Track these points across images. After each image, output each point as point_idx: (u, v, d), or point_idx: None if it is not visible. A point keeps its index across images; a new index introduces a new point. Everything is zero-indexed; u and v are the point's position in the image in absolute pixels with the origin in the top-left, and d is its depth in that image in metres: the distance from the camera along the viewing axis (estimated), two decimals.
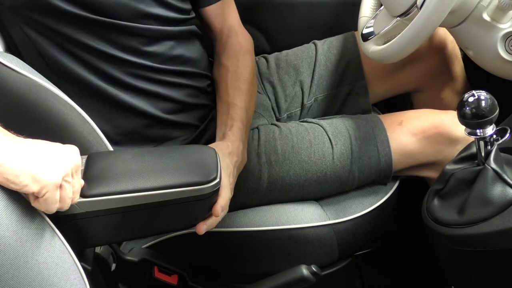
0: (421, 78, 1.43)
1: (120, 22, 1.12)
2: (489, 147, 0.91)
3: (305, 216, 1.21)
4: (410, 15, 1.11)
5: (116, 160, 0.93)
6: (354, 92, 1.41)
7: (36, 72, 1.04)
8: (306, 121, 1.31)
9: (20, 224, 0.71)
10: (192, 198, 0.91)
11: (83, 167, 0.90)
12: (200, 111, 1.27)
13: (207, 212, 1.00)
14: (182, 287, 1.18)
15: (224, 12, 1.34)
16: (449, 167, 0.98)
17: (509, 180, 0.89)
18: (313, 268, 1.06)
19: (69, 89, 1.09)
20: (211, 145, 1.12)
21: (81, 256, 0.89)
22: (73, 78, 1.12)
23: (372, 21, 1.25)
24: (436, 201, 0.97)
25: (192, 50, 1.25)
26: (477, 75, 1.22)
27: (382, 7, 1.23)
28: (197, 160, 0.94)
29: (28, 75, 1.01)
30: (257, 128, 1.29)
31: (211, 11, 1.33)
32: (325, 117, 1.34)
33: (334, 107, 1.41)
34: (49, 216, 0.78)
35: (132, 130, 1.18)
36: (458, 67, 1.43)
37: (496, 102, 0.88)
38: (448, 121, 1.22)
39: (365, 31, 1.25)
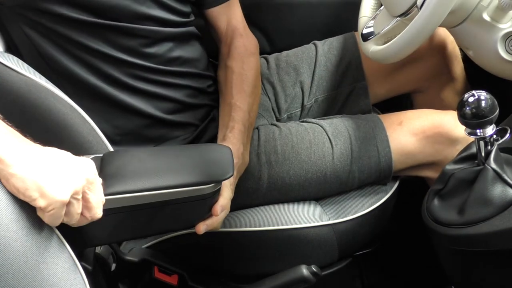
0: (421, 78, 1.43)
1: (120, 23, 1.12)
2: (489, 147, 0.91)
3: (305, 216, 1.21)
4: (410, 15, 1.11)
5: (132, 158, 0.93)
6: (354, 93, 1.41)
7: (36, 72, 1.04)
8: (306, 121, 1.31)
9: (20, 224, 0.70)
10: (193, 198, 0.91)
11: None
12: (200, 111, 1.27)
13: (208, 212, 1.00)
14: (182, 287, 1.18)
15: (228, 14, 1.33)
16: (449, 167, 0.98)
17: (509, 180, 0.89)
18: (313, 268, 1.06)
19: (69, 89, 1.09)
20: None
21: (81, 256, 0.89)
22: (73, 78, 1.12)
23: (372, 21, 1.25)
24: (436, 201, 0.97)
25: (191, 51, 1.25)
26: (477, 75, 1.22)
27: (382, 7, 1.23)
28: (212, 158, 0.94)
29: (28, 75, 1.01)
30: (257, 128, 1.29)
31: (216, 12, 1.32)
32: (325, 117, 1.34)
33: (334, 108, 1.41)
34: None
35: (132, 130, 1.18)
36: (458, 67, 1.43)
37: (496, 102, 0.88)
38: (448, 121, 1.22)
39: (365, 31, 1.25)
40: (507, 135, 0.92)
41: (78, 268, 0.80)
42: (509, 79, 1.10)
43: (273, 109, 1.41)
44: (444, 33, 1.39)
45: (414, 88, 1.46)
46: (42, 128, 0.98)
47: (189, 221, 0.98)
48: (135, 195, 0.87)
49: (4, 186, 0.71)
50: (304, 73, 1.41)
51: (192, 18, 1.28)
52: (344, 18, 1.52)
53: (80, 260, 0.81)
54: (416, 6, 1.06)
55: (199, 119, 1.27)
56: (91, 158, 0.93)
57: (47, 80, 1.04)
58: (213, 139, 1.27)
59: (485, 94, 0.88)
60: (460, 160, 0.98)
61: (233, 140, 1.16)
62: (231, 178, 1.10)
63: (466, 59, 1.23)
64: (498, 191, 0.88)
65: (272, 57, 1.46)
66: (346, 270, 1.30)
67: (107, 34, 1.12)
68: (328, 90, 1.41)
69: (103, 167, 0.89)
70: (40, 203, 0.71)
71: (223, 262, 1.25)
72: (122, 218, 0.88)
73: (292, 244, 1.20)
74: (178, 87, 1.22)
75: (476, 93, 0.88)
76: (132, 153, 0.97)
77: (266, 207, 1.23)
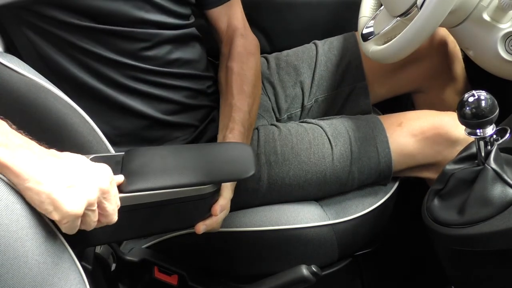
0: (421, 78, 1.43)
1: (120, 28, 1.12)
2: (489, 147, 0.91)
3: (305, 216, 1.21)
4: (410, 15, 1.11)
5: (154, 156, 0.94)
6: (354, 93, 1.40)
7: (36, 72, 1.04)
8: (305, 122, 1.31)
9: (20, 224, 0.70)
10: (193, 198, 0.91)
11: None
12: (199, 112, 1.27)
13: (207, 212, 1.00)
14: (182, 287, 1.18)
15: (229, 14, 1.33)
16: (449, 167, 0.98)
17: (509, 180, 0.89)
18: (313, 268, 1.06)
19: (69, 91, 1.09)
20: None
21: (81, 256, 0.89)
22: (73, 80, 1.12)
23: (372, 21, 1.25)
24: (436, 201, 0.97)
25: (190, 53, 1.25)
26: (477, 75, 1.22)
27: (382, 7, 1.23)
28: (234, 156, 0.95)
29: (28, 75, 1.01)
30: (257, 128, 1.29)
31: (216, 13, 1.33)
32: (325, 118, 1.34)
33: (334, 108, 1.41)
34: None
35: (131, 131, 1.18)
36: (459, 67, 1.43)
37: (496, 102, 0.88)
38: (447, 122, 1.22)
39: (365, 31, 1.25)
40: (507, 135, 0.92)
41: (78, 268, 0.80)
42: (509, 79, 1.10)
43: (273, 109, 1.41)
44: (444, 33, 1.39)
45: (415, 88, 1.46)
46: (42, 128, 0.98)
47: (189, 221, 0.98)
48: (157, 193, 0.87)
49: (1, 186, 0.71)
50: (305, 73, 1.41)
51: (192, 20, 1.27)
52: (344, 18, 1.52)
53: (80, 260, 0.81)
54: (416, 6, 1.06)
55: (199, 120, 1.26)
56: (91, 158, 0.93)
57: (47, 80, 1.04)
58: (213, 140, 1.27)
59: (485, 94, 0.88)
60: (460, 160, 0.98)
61: (233, 141, 1.16)
62: None
63: (466, 59, 1.23)
64: (498, 191, 0.88)
65: (272, 57, 1.46)
66: (346, 270, 1.30)
67: (107, 38, 1.12)
68: (328, 90, 1.41)
69: (125, 165, 0.90)
70: (55, 216, 0.73)
71: (223, 262, 1.25)
72: (123, 217, 0.88)
73: (292, 244, 1.20)
74: (178, 89, 1.22)
75: (476, 93, 0.88)
76: (154, 151, 0.97)
77: (266, 207, 1.23)
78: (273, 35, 1.61)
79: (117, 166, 0.91)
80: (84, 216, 0.75)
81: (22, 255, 0.70)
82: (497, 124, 0.91)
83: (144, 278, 1.16)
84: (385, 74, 1.41)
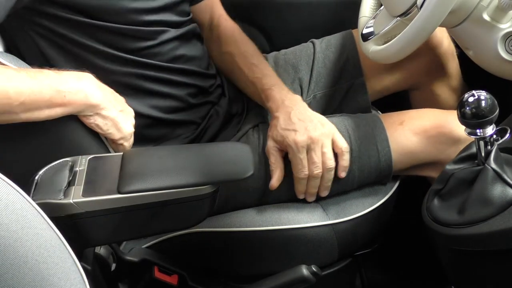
0: (417, 75, 1.44)
1: (125, 26, 1.12)
2: (489, 147, 0.91)
3: (305, 216, 1.21)
4: (410, 15, 1.11)
5: (153, 157, 0.94)
6: (352, 89, 1.41)
7: None
8: None
9: (20, 224, 0.71)
10: (192, 198, 0.91)
11: (85, 168, 0.91)
12: (201, 109, 1.27)
13: (207, 212, 0.99)
14: (182, 287, 1.18)
15: (211, 6, 1.39)
16: (449, 167, 0.98)
17: (509, 180, 0.89)
18: (313, 268, 1.06)
19: None
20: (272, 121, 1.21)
21: (81, 256, 0.89)
22: None
23: (372, 21, 1.25)
24: (436, 201, 0.97)
25: (194, 50, 1.26)
26: (477, 75, 1.22)
27: (382, 7, 1.23)
28: (233, 156, 0.95)
29: None
30: (258, 126, 1.29)
31: (202, 6, 1.37)
32: (325, 116, 1.34)
33: (333, 104, 1.42)
34: (49, 216, 0.78)
35: None
36: (454, 64, 1.44)
37: (496, 102, 0.88)
38: (450, 121, 1.22)
39: (365, 31, 1.25)
40: (507, 135, 0.92)
41: (78, 268, 0.80)
42: (509, 79, 1.10)
43: None
44: (439, 30, 1.39)
45: (411, 85, 1.46)
46: (42, 127, 0.98)
47: (189, 221, 0.98)
48: (156, 193, 0.87)
49: (1, 186, 0.71)
50: (303, 70, 1.42)
51: (191, 16, 1.29)
52: (344, 18, 1.52)
53: (80, 260, 0.81)
54: (416, 6, 1.06)
55: (201, 117, 1.27)
56: (91, 158, 0.94)
57: None
58: (216, 136, 1.28)
59: (485, 94, 0.88)
60: (460, 160, 0.97)
61: (278, 104, 1.22)
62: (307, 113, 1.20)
63: (466, 59, 1.23)
64: (498, 191, 0.88)
65: (270, 56, 1.47)
66: (346, 270, 1.30)
67: (111, 36, 1.12)
68: (326, 87, 1.42)
69: (124, 165, 0.90)
70: (115, 136, 1.02)
71: (223, 262, 1.25)
72: (121, 218, 0.88)
73: (292, 244, 1.20)
74: (183, 85, 1.23)
75: (476, 93, 0.88)
76: (152, 152, 0.98)
77: (266, 207, 1.23)
78: (273, 35, 1.61)
79: (116, 166, 0.92)
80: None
81: (22, 255, 0.70)
82: (497, 124, 0.91)
83: (144, 278, 1.16)
84: (382, 70, 1.42)
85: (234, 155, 0.95)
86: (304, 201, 1.23)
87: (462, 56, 1.26)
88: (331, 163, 1.17)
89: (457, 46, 1.42)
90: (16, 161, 1.00)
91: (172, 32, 1.20)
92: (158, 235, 1.19)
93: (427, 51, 1.39)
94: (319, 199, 1.24)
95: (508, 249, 0.88)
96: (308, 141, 1.15)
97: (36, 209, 0.74)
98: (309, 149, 1.16)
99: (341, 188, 1.24)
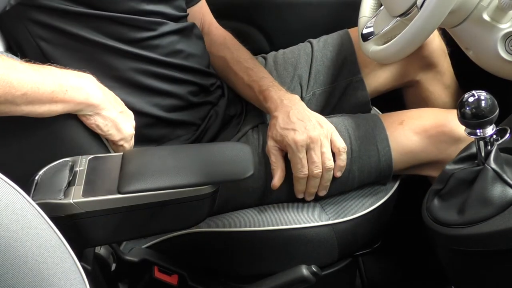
0: (409, 72, 1.44)
1: (123, 15, 1.13)
2: (489, 147, 0.91)
3: (305, 216, 1.21)
4: (410, 15, 1.11)
5: (152, 157, 0.94)
6: (351, 86, 1.42)
7: None
8: None
9: (20, 224, 0.70)
10: (191, 199, 0.91)
11: (85, 168, 0.91)
12: (202, 110, 1.27)
13: (207, 212, 0.99)
14: (182, 287, 1.18)
15: (202, 12, 1.41)
16: (449, 167, 0.98)
17: (509, 180, 0.89)
18: (313, 268, 1.06)
19: None
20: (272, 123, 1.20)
21: (81, 256, 0.89)
22: None
23: (372, 21, 1.25)
24: (436, 201, 0.97)
25: (194, 48, 1.27)
26: (476, 75, 1.22)
27: (382, 7, 1.23)
28: (233, 156, 0.95)
29: None
30: (257, 127, 1.29)
31: (193, 11, 1.38)
32: (325, 116, 1.34)
33: (332, 101, 1.42)
34: (49, 216, 0.78)
35: None
36: (446, 62, 1.45)
37: (496, 102, 0.88)
38: (450, 120, 1.22)
39: (365, 31, 1.25)
40: (507, 135, 0.92)
41: (78, 268, 0.80)
42: (509, 79, 1.10)
43: None
44: None
45: (405, 82, 1.47)
46: (42, 126, 0.98)
47: (189, 221, 0.98)
48: (155, 193, 0.87)
49: (1, 185, 0.71)
50: (302, 68, 1.43)
51: (188, 12, 1.29)
52: (344, 18, 1.53)
53: (80, 260, 0.81)
54: (416, 6, 1.06)
55: (200, 118, 1.27)
56: (91, 158, 0.94)
57: None
58: (216, 137, 1.28)
59: (485, 94, 0.88)
60: (460, 160, 0.97)
61: (278, 104, 1.22)
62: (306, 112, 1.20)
63: (461, 57, 1.23)
64: (498, 191, 0.88)
65: (270, 56, 1.48)
66: (346, 270, 1.30)
67: (110, 26, 1.13)
68: (325, 84, 1.42)
69: (124, 165, 0.90)
70: (116, 137, 1.03)
71: (223, 262, 1.25)
72: (121, 218, 0.88)
73: (292, 244, 1.20)
74: (182, 82, 1.23)
75: (476, 93, 0.88)
76: (152, 152, 0.98)
77: (266, 207, 1.23)
78: (273, 35, 1.61)
79: (116, 166, 0.92)
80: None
81: (22, 255, 0.70)
82: (497, 124, 0.91)
83: (144, 278, 1.16)
84: (376, 67, 1.43)
85: (234, 155, 0.95)
86: (304, 201, 1.23)
87: (462, 57, 1.26)
88: (330, 163, 1.17)
89: (448, 44, 1.43)
90: (16, 161, 1.00)
91: (172, 25, 1.21)
92: (158, 235, 1.19)
93: (418, 48, 1.40)
94: (319, 199, 1.24)
95: (508, 249, 0.88)
96: (307, 141, 1.16)
97: (36, 209, 0.74)
98: (308, 149, 1.16)
99: (341, 188, 1.24)
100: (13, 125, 0.95)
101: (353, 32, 1.43)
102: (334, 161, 1.19)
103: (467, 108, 0.88)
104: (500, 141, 0.92)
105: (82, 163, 0.92)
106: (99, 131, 1.01)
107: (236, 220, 1.21)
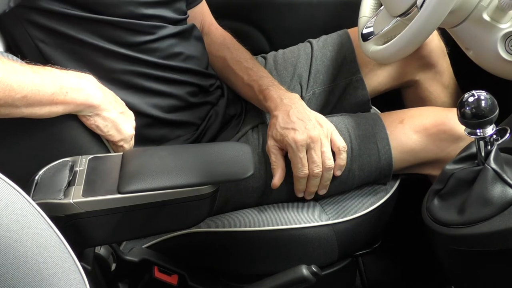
0: (408, 71, 1.44)
1: (121, 19, 1.13)
2: (489, 147, 0.91)
3: (305, 216, 1.21)
4: (410, 15, 1.11)
5: (152, 157, 0.94)
6: (351, 86, 1.42)
7: None
8: None
9: (20, 224, 0.70)
10: (191, 198, 0.91)
11: (85, 167, 0.91)
12: (201, 110, 1.27)
13: (207, 212, 0.99)
14: (182, 287, 1.18)
15: (202, 13, 1.41)
16: (449, 167, 0.98)
17: (509, 180, 0.89)
18: (313, 268, 1.06)
19: None
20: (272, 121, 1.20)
21: (81, 256, 0.89)
22: None
23: (372, 21, 1.25)
24: (436, 201, 0.97)
25: (193, 49, 1.27)
26: (476, 75, 1.22)
27: (382, 7, 1.23)
28: (233, 156, 0.95)
29: None
30: (257, 127, 1.29)
31: (194, 12, 1.38)
32: (325, 116, 1.34)
33: (332, 100, 1.43)
34: (49, 216, 0.78)
35: None
36: (445, 62, 1.45)
37: (496, 102, 0.88)
38: (451, 118, 1.22)
39: (365, 31, 1.25)
40: (507, 135, 0.92)
41: (78, 268, 0.80)
42: (509, 79, 1.10)
43: None
44: None
45: (404, 82, 1.47)
46: (42, 126, 0.98)
47: (189, 221, 0.98)
48: (155, 193, 0.87)
49: (2, 185, 0.71)
50: (302, 67, 1.43)
51: (188, 15, 1.29)
52: (344, 18, 1.53)
53: (80, 260, 0.81)
54: (416, 6, 1.06)
55: (201, 118, 1.27)
56: (91, 158, 0.94)
57: None
58: (214, 138, 1.28)
59: (485, 94, 0.88)
60: (460, 160, 0.97)
61: (277, 103, 1.22)
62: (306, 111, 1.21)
63: (461, 57, 1.23)
64: (498, 191, 0.88)
65: (269, 55, 1.48)
66: (346, 270, 1.30)
67: (108, 30, 1.13)
68: (325, 83, 1.42)
69: (124, 165, 0.90)
70: (116, 138, 1.03)
71: (223, 262, 1.25)
72: (121, 218, 0.88)
73: (292, 244, 1.20)
74: (181, 84, 1.23)
75: (476, 93, 0.88)
76: (152, 152, 0.98)
77: (266, 207, 1.23)
78: (273, 35, 1.61)
79: (116, 166, 0.92)
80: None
81: (22, 255, 0.70)
82: (497, 124, 0.91)
83: (144, 278, 1.16)
84: (375, 67, 1.43)
85: (234, 155, 0.95)
86: (304, 201, 1.23)
87: (462, 57, 1.27)
88: (330, 162, 1.17)
89: (447, 44, 1.43)
90: (16, 161, 1.00)
91: (170, 29, 1.21)
92: (158, 235, 1.19)
93: (417, 48, 1.40)
94: (319, 199, 1.24)
95: (508, 249, 0.88)
96: (307, 140, 1.16)
97: (36, 209, 0.75)
98: (308, 148, 1.16)
99: (342, 187, 1.24)
100: (13, 125, 0.95)
101: (352, 32, 1.43)
102: (334, 160, 1.18)
103: (467, 108, 0.88)
104: (500, 141, 0.92)
105: (82, 163, 0.92)
106: (99, 132, 1.01)
107: (236, 220, 1.21)
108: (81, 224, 0.86)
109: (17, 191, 0.72)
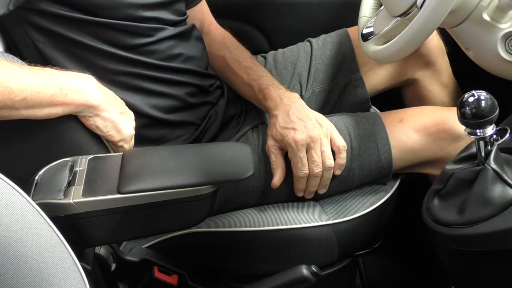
0: (408, 70, 1.45)
1: (120, 22, 1.13)
2: (489, 147, 0.91)
3: (305, 216, 1.21)
4: (410, 15, 1.11)
5: (152, 157, 0.94)
6: (351, 84, 1.42)
7: None
8: None
9: (20, 224, 0.70)
10: (191, 198, 0.91)
11: (85, 167, 0.91)
12: (201, 110, 1.27)
13: (207, 212, 1.00)
14: (182, 287, 1.18)
15: (202, 12, 1.41)
16: (449, 167, 0.97)
17: (509, 180, 0.89)
18: (313, 268, 1.06)
19: None
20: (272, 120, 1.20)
21: (81, 256, 0.89)
22: None
23: (372, 21, 1.25)
24: (436, 201, 0.97)
25: (192, 50, 1.26)
26: (476, 75, 1.22)
27: (382, 7, 1.23)
28: (233, 156, 0.95)
29: None
30: (257, 127, 1.29)
31: (194, 12, 1.37)
32: (325, 115, 1.34)
33: (332, 99, 1.43)
34: (49, 216, 0.78)
35: None
36: (444, 60, 1.45)
37: (496, 102, 0.88)
38: (451, 117, 1.22)
39: (365, 31, 1.25)
40: (507, 135, 0.92)
41: (78, 268, 0.80)
42: (509, 79, 1.10)
43: None
44: None
45: (403, 81, 1.47)
46: (42, 127, 0.98)
47: (189, 221, 0.98)
48: (155, 193, 0.87)
49: (2, 185, 0.71)
50: (301, 66, 1.43)
51: (187, 16, 1.29)
52: (343, 18, 1.53)
53: (80, 260, 0.81)
54: (416, 6, 1.06)
55: (200, 118, 1.27)
56: (91, 158, 0.94)
57: None
58: (214, 138, 1.28)
59: (485, 94, 0.88)
60: (460, 160, 0.97)
61: (277, 103, 1.22)
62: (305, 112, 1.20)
63: (461, 57, 1.23)
64: (498, 191, 0.88)
65: (269, 55, 1.49)
66: (346, 270, 1.30)
67: (108, 32, 1.13)
68: (324, 82, 1.42)
69: (124, 165, 0.90)
70: (115, 138, 1.03)
71: (223, 262, 1.25)
72: (121, 218, 0.88)
73: (292, 244, 1.20)
74: (180, 84, 1.23)
75: (476, 93, 0.88)
76: (152, 152, 0.98)
77: (266, 207, 1.23)
78: (273, 35, 1.61)
79: (116, 166, 0.92)
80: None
81: (22, 255, 0.70)
82: (497, 124, 0.91)
83: (144, 278, 1.16)
84: (375, 65, 1.43)
85: (234, 155, 0.95)
86: (304, 201, 1.23)
87: (462, 57, 1.27)
88: (330, 162, 1.17)
89: (446, 43, 1.43)
90: (16, 161, 1.00)
91: (170, 30, 1.21)
92: (158, 235, 1.19)
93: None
94: (319, 199, 1.24)
95: (508, 249, 0.88)
96: (307, 140, 1.16)
97: (36, 209, 0.74)
98: (308, 148, 1.16)
99: (342, 186, 1.24)
100: (13, 125, 0.95)
101: (352, 31, 1.43)
102: (334, 159, 1.19)
103: (467, 108, 0.88)
104: (500, 141, 0.92)
105: (82, 163, 0.92)
106: (98, 132, 1.01)
107: (236, 220, 1.21)
108: (81, 224, 0.86)
109: (17, 191, 0.72)
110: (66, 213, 0.84)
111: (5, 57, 1.01)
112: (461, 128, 1.19)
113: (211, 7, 1.44)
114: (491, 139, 0.91)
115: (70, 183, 0.88)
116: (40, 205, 0.74)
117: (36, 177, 0.89)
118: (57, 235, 0.77)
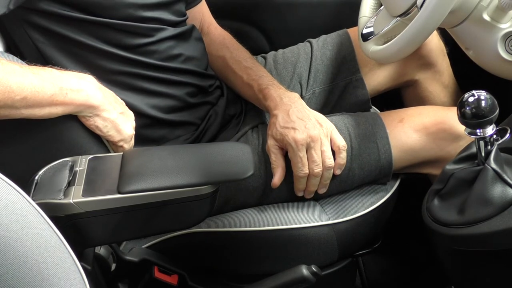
0: (408, 70, 1.45)
1: (121, 22, 1.13)
2: (489, 147, 0.91)
3: (305, 216, 1.21)
4: (410, 15, 1.11)
5: (152, 157, 0.94)
6: (351, 85, 1.42)
7: None
8: None
9: (20, 224, 0.70)
10: (191, 198, 0.91)
11: (85, 167, 0.91)
12: (200, 110, 1.27)
13: (207, 212, 1.00)
14: (182, 287, 1.18)
15: (202, 12, 1.41)
16: (449, 167, 0.97)
17: (509, 180, 0.89)
18: (313, 268, 1.06)
19: None
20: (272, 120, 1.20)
21: (81, 256, 0.89)
22: None
23: (372, 21, 1.25)
24: (436, 201, 0.97)
25: (192, 50, 1.26)
26: (476, 75, 1.22)
27: (382, 7, 1.23)
28: (232, 156, 0.95)
29: None
30: (257, 127, 1.29)
31: (193, 12, 1.38)
32: (325, 115, 1.34)
33: (332, 99, 1.43)
34: (49, 216, 0.78)
35: None
36: (444, 61, 1.45)
37: (496, 102, 0.88)
38: (451, 117, 1.22)
39: (365, 31, 1.25)
40: (507, 135, 0.92)
41: (78, 268, 0.80)
42: (509, 79, 1.10)
43: None
44: None
45: (403, 82, 1.47)
46: (42, 127, 0.98)
47: (189, 221, 0.98)
48: (155, 193, 0.87)
49: (2, 185, 0.71)
50: (301, 67, 1.43)
51: (187, 16, 1.29)
52: (343, 18, 1.53)
53: (80, 260, 0.81)
54: (416, 6, 1.06)
55: (200, 118, 1.27)
56: (91, 158, 0.94)
57: None
58: (214, 138, 1.28)
59: (485, 94, 0.88)
60: (460, 160, 0.97)
61: (278, 102, 1.22)
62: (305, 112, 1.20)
63: (460, 57, 1.23)
64: (498, 191, 0.88)
65: (269, 55, 1.49)
66: (346, 270, 1.30)
67: (108, 32, 1.13)
68: (325, 83, 1.43)
69: (124, 165, 0.90)
70: (115, 138, 1.03)
71: (223, 262, 1.25)
72: (121, 218, 0.88)
73: (292, 244, 1.20)
74: (180, 85, 1.23)
75: (476, 93, 0.88)
76: (152, 152, 0.98)
77: (266, 207, 1.23)
78: (273, 35, 1.61)
79: (116, 166, 0.92)
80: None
81: (22, 255, 0.70)
82: (497, 124, 0.91)
83: (144, 278, 1.16)
84: (375, 66, 1.43)
85: (234, 155, 0.95)
86: (304, 201, 1.23)
87: (462, 56, 1.27)
88: (330, 162, 1.17)
89: (446, 44, 1.43)
90: (16, 161, 1.00)
91: (170, 31, 1.21)
92: (158, 235, 1.19)
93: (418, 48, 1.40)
94: (319, 199, 1.24)
95: (508, 249, 0.88)
96: (307, 140, 1.16)
97: (36, 209, 0.74)
98: (309, 148, 1.16)
99: (342, 186, 1.24)
100: (13, 125, 0.95)
101: (352, 31, 1.43)
102: (334, 159, 1.19)
103: (467, 108, 0.88)
104: (500, 141, 0.92)
105: (82, 163, 0.92)
106: (98, 132, 1.01)
107: (236, 220, 1.21)
108: (81, 224, 0.86)
109: (17, 191, 0.72)
110: (66, 213, 0.84)
111: (5, 57, 1.01)
112: (461, 128, 1.19)
113: (211, 7, 1.44)
114: (491, 139, 0.91)
115: (70, 183, 0.88)
116: (40, 205, 0.74)
117: (36, 177, 0.89)
118: (57, 235, 0.77)
